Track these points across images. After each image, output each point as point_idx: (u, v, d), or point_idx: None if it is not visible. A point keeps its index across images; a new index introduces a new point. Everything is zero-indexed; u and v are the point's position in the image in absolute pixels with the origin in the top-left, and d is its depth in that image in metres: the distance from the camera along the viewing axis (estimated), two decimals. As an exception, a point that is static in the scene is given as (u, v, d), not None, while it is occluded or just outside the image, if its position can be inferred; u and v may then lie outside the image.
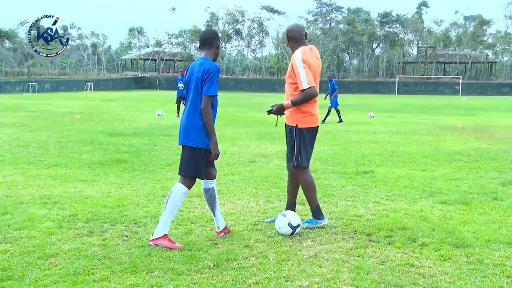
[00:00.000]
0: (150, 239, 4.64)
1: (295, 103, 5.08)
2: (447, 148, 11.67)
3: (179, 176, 4.79)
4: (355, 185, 7.44)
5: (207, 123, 4.59)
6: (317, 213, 5.33)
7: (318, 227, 5.28)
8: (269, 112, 5.34)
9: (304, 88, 5.00)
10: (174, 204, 4.67)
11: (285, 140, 5.43)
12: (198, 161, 4.67)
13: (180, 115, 21.36)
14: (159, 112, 22.00)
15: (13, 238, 4.78)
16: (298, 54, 5.10)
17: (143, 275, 3.92)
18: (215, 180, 4.99)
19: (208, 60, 4.68)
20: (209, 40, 4.76)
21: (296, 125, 5.20)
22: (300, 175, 5.33)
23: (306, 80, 5.00)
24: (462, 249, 4.59)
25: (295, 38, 5.26)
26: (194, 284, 3.80)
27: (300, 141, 5.21)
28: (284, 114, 5.29)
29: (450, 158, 10.16)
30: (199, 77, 4.58)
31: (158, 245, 4.54)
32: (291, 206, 5.53)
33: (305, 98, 5.05)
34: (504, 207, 6.19)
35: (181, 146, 4.76)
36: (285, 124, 5.36)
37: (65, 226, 5.21)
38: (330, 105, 19.73)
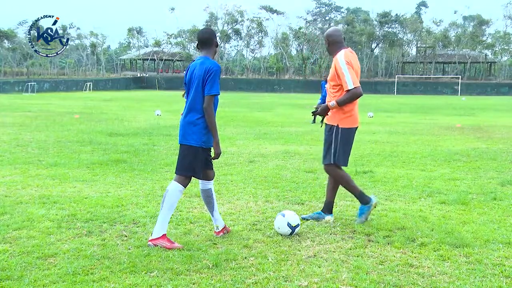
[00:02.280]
0: (149, 239, 4.64)
1: (341, 103, 5.26)
2: (446, 148, 11.67)
3: (175, 174, 4.80)
4: (354, 185, 7.43)
5: (210, 122, 4.60)
6: (363, 198, 5.49)
7: (373, 208, 5.45)
8: (314, 113, 5.61)
9: (350, 88, 5.19)
10: (171, 203, 4.66)
11: (323, 138, 5.58)
12: (194, 160, 4.67)
13: None
14: (158, 112, 21.94)
15: (12, 238, 4.78)
16: (341, 56, 5.29)
17: (142, 275, 3.92)
18: (212, 181, 4.99)
19: (208, 59, 4.68)
20: (208, 39, 4.78)
21: (337, 124, 5.37)
22: (333, 171, 5.53)
23: (351, 81, 5.19)
24: (461, 249, 4.59)
25: (335, 41, 5.44)
26: (193, 284, 3.80)
27: (340, 140, 5.38)
28: (328, 114, 5.46)
29: (449, 158, 10.16)
30: (200, 76, 4.59)
31: (157, 246, 4.54)
32: (328, 204, 5.64)
33: (351, 98, 5.25)
34: (503, 207, 6.19)
35: (179, 144, 4.78)
36: (325, 123, 5.53)
37: (64, 226, 5.21)
38: None
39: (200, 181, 4.93)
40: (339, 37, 5.45)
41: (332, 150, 5.41)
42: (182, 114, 4.79)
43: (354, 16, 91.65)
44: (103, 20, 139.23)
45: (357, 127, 5.55)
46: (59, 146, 11.17)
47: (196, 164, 4.69)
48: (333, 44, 5.43)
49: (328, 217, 5.54)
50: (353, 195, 5.64)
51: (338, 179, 5.55)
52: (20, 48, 78.74)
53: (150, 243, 4.59)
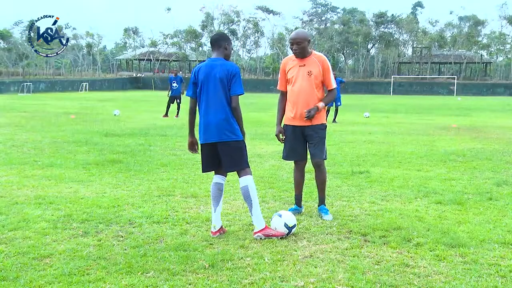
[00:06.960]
0: (255, 231, 4.90)
1: (327, 103, 5.62)
2: (442, 148, 11.69)
3: (241, 170, 4.99)
4: (350, 185, 7.45)
5: (239, 118, 4.92)
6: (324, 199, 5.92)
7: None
8: (310, 117, 5.53)
9: (333, 87, 5.61)
10: (256, 194, 4.98)
11: (311, 138, 5.66)
12: (246, 151, 5.03)
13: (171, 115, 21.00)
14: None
15: (8, 239, 4.76)
16: (324, 56, 5.58)
17: (138, 276, 3.92)
18: (226, 177, 5.23)
19: (228, 62, 4.95)
20: (216, 41, 5.03)
21: (323, 122, 5.68)
22: (324, 166, 5.79)
23: (334, 80, 5.63)
24: (457, 249, 4.60)
25: (309, 42, 5.54)
26: (189, 284, 3.80)
27: (326, 136, 5.74)
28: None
29: (445, 158, 10.18)
30: (223, 77, 4.84)
31: (269, 236, 4.85)
32: (299, 198, 6.01)
33: (333, 96, 5.69)
34: (499, 207, 6.21)
35: (214, 144, 4.92)
36: (312, 124, 5.58)
37: (60, 226, 5.19)
38: (339, 103, 19.98)
39: (218, 175, 5.15)
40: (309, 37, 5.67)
41: (325, 147, 5.74)
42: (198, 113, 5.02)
43: (350, 16, 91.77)
44: (99, 20, 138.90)
45: None
46: (55, 147, 11.15)
47: (247, 154, 5.06)
48: (308, 45, 5.49)
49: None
50: (322, 193, 5.87)
51: (325, 173, 5.83)
52: (16, 48, 78.56)
53: (259, 233, 4.86)
